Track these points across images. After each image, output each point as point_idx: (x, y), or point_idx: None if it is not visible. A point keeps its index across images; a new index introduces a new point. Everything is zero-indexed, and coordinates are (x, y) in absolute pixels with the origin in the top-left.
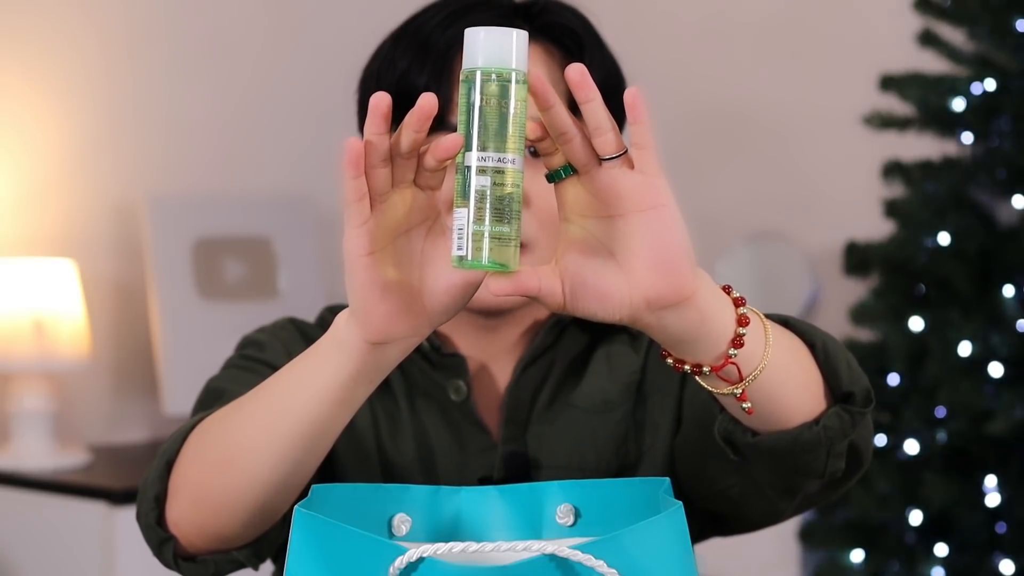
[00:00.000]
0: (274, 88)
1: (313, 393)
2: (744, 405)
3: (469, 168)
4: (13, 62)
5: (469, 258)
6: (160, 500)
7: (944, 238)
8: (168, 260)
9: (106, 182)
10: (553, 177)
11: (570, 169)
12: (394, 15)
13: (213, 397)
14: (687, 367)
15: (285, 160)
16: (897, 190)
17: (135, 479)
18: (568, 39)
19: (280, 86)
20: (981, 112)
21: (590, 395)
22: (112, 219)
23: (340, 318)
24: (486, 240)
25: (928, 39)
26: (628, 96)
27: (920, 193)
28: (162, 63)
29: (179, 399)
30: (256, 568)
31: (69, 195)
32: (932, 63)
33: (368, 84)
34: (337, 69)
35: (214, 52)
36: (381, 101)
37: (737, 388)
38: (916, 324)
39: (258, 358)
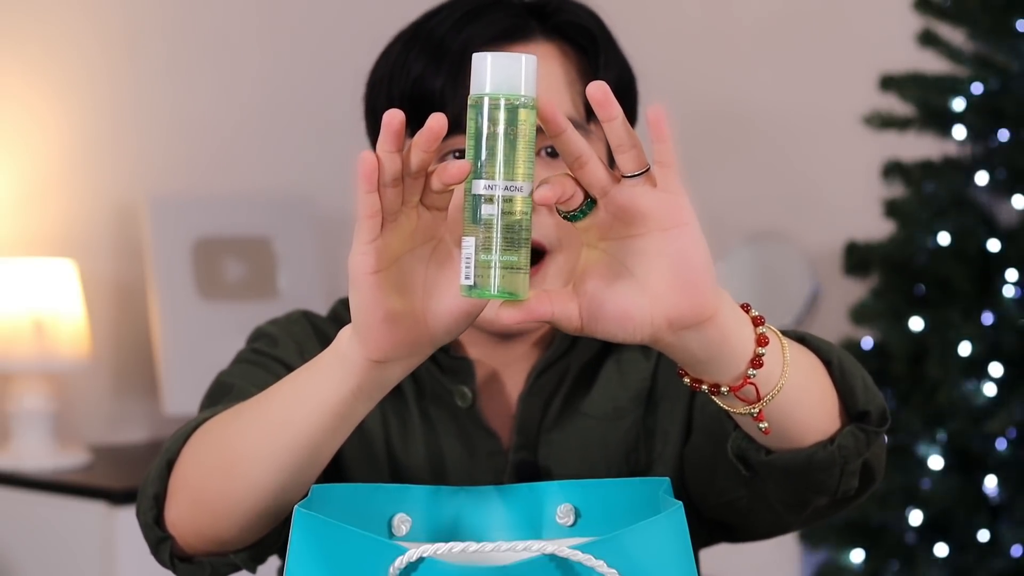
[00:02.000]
0: (274, 88)
1: (314, 407)
2: (761, 425)
3: (478, 196)
4: (13, 62)
5: (477, 287)
6: (159, 499)
7: (944, 238)
8: (168, 260)
9: (106, 182)
10: (575, 218)
11: (592, 204)
12: (395, 15)
13: (222, 392)
14: (705, 387)
15: (285, 160)
16: (897, 190)
17: (135, 479)
18: (582, 38)
19: (280, 86)
20: (981, 112)
21: (601, 402)
22: (112, 219)
23: (343, 333)
24: (495, 269)
25: (928, 39)
26: (651, 114)
27: (920, 193)
28: (162, 63)
29: (179, 399)
30: (253, 571)
31: (69, 195)
32: (932, 63)
33: (379, 88)
34: (338, 69)
35: (214, 52)
36: (394, 119)
37: (755, 408)
38: (916, 324)
39: (270, 353)
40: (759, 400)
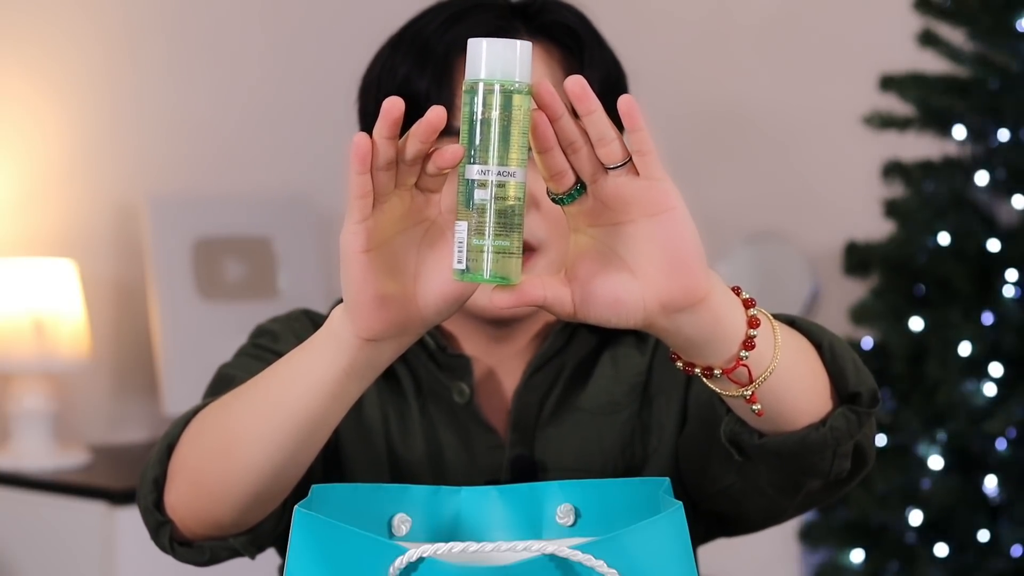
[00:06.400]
0: (274, 88)
1: (308, 386)
2: (754, 407)
3: (471, 181)
4: (13, 62)
5: (470, 271)
6: (159, 483)
7: (944, 238)
8: (168, 260)
9: (106, 182)
10: (564, 200)
11: (582, 189)
12: (395, 15)
13: (223, 383)
14: (698, 370)
15: (285, 160)
16: (897, 190)
17: (135, 479)
18: (567, 38)
19: (280, 86)
20: (981, 112)
21: (596, 397)
22: (112, 219)
23: (336, 312)
24: (487, 254)
25: (928, 39)
26: (623, 104)
27: (920, 193)
28: (162, 63)
29: (179, 399)
30: (253, 557)
31: (69, 195)
32: (932, 63)
33: (368, 91)
34: (337, 70)
35: (214, 52)
36: (394, 107)
37: (747, 390)
38: (916, 324)
39: (271, 348)
40: (752, 382)
